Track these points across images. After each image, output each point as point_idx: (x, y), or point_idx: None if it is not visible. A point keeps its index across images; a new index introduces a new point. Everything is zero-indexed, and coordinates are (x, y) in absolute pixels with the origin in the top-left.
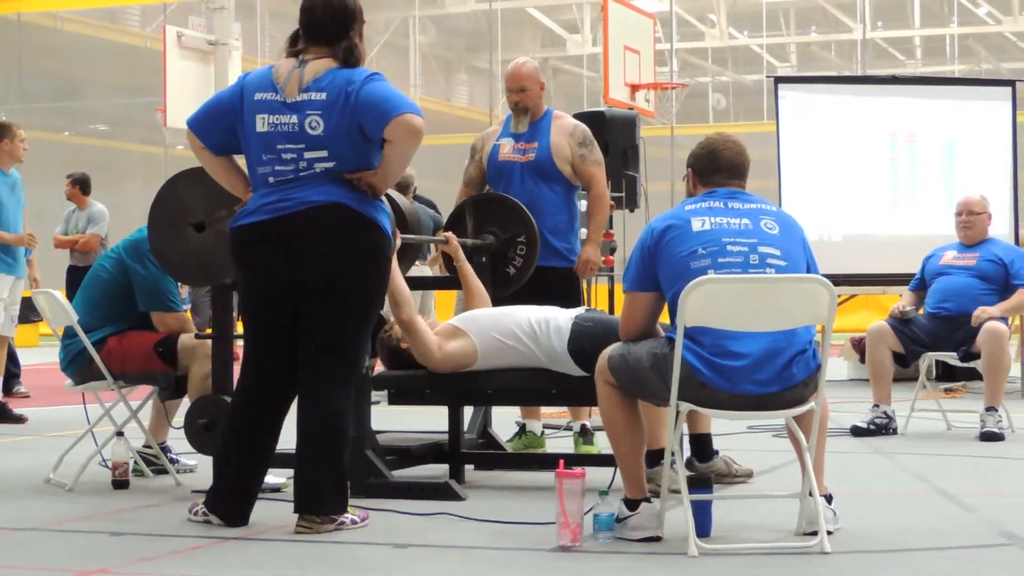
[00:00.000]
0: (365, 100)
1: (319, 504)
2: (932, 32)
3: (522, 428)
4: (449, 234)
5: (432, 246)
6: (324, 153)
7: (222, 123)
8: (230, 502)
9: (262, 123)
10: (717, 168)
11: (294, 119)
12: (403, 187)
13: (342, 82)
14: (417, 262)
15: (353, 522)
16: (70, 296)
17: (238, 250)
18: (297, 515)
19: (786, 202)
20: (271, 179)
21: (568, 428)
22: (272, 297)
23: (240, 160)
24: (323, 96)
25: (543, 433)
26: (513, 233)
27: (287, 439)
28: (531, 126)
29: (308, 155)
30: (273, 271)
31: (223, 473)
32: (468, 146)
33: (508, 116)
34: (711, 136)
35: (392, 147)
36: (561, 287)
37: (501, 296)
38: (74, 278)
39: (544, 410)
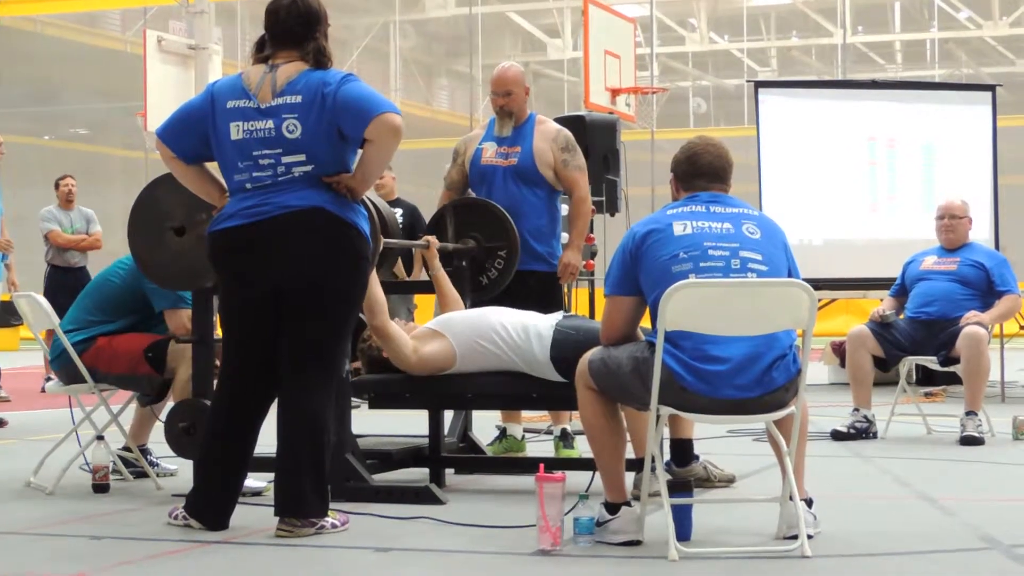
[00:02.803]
0: (343, 101)
1: (299, 507)
2: (912, 36)
3: (502, 432)
4: (431, 238)
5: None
6: (302, 157)
7: (193, 132)
8: (210, 506)
9: (236, 131)
10: (697, 173)
11: (270, 124)
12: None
13: (317, 84)
14: None
15: (333, 526)
16: (48, 298)
17: (217, 255)
18: (277, 519)
19: (766, 206)
20: (248, 185)
21: (548, 432)
22: (251, 301)
23: (212, 167)
24: (298, 99)
25: (523, 437)
26: (495, 245)
27: (268, 443)
28: (514, 130)
29: (286, 159)
30: (252, 275)
31: (203, 477)
32: (449, 150)
33: (491, 120)
34: (692, 140)
35: (372, 147)
36: (542, 291)
37: (475, 302)
38: (61, 279)
39: (525, 414)
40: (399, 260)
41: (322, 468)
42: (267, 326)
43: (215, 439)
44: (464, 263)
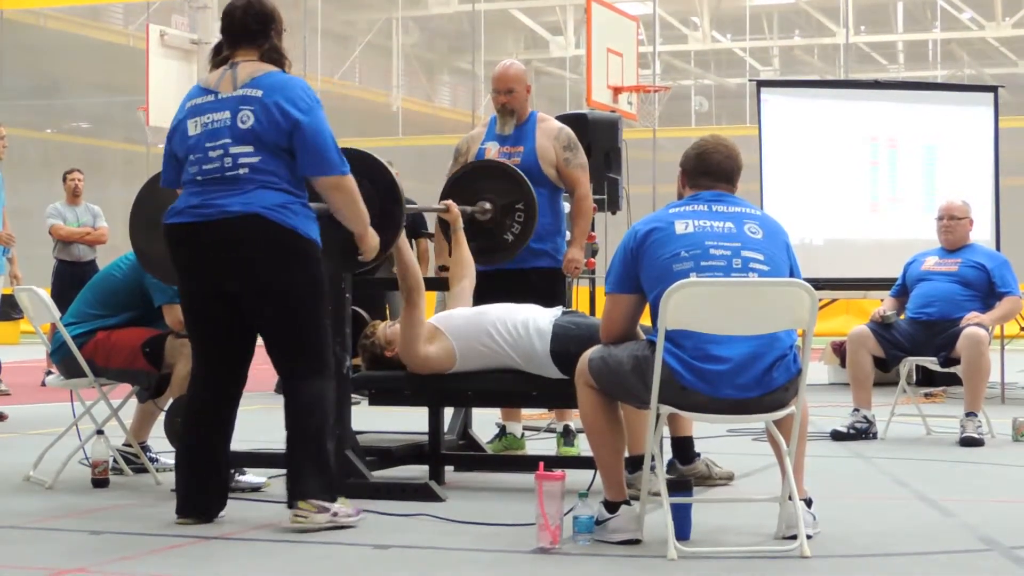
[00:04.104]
0: (307, 139)
1: (302, 492)
2: (915, 37)
3: (502, 430)
4: (449, 202)
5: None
6: (250, 148)
7: (176, 163)
8: (192, 498)
9: (194, 126)
10: (704, 171)
11: (227, 114)
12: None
13: (280, 86)
14: None
15: (347, 515)
16: (57, 292)
17: (169, 247)
18: (291, 512)
19: (768, 206)
20: (199, 177)
21: (549, 430)
22: (201, 297)
23: None
24: (259, 93)
25: (523, 435)
26: (511, 200)
27: (267, 439)
28: (516, 129)
29: (234, 150)
30: (198, 273)
31: (183, 472)
32: (450, 147)
33: (492, 118)
34: (704, 138)
35: (331, 204)
36: (546, 287)
37: (499, 261)
38: (69, 274)
39: (525, 412)
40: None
41: (322, 452)
42: (218, 320)
43: (185, 432)
44: (482, 225)
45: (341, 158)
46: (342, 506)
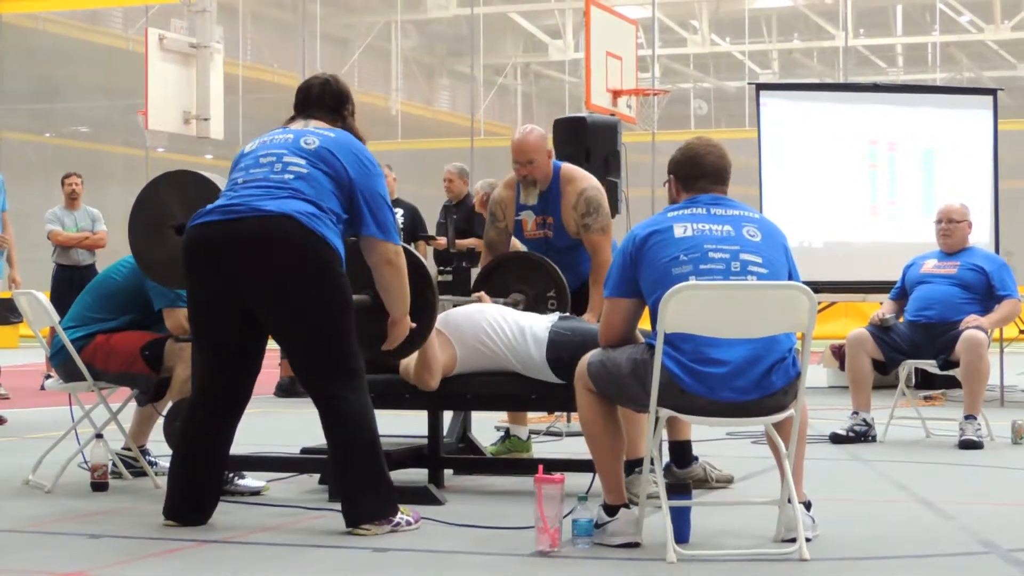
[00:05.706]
0: (373, 198)
1: (365, 515)
2: (914, 40)
3: (507, 432)
4: (481, 294)
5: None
6: (303, 162)
7: None
8: (179, 504)
9: (253, 144)
10: (700, 174)
11: (290, 136)
12: None
13: (353, 141)
14: None
15: (408, 523)
16: (56, 296)
17: (187, 249)
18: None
19: (767, 209)
20: (241, 179)
21: (549, 432)
22: (216, 301)
23: None
24: (332, 135)
25: (529, 437)
26: (542, 289)
27: (267, 443)
28: (541, 198)
29: (287, 159)
30: (217, 278)
31: (176, 477)
32: (449, 151)
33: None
34: (691, 141)
35: (377, 275)
36: None
37: None
38: (68, 278)
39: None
40: None
41: (377, 467)
42: (231, 324)
43: (184, 439)
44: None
45: (395, 228)
46: (404, 515)
